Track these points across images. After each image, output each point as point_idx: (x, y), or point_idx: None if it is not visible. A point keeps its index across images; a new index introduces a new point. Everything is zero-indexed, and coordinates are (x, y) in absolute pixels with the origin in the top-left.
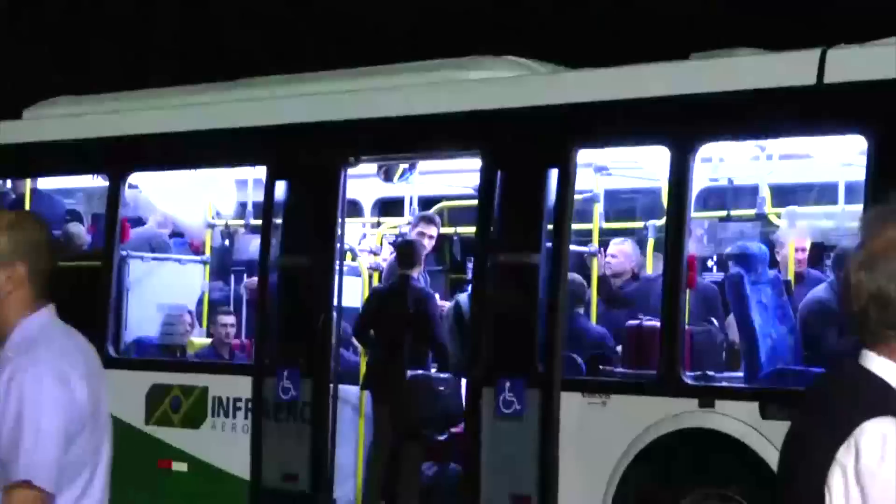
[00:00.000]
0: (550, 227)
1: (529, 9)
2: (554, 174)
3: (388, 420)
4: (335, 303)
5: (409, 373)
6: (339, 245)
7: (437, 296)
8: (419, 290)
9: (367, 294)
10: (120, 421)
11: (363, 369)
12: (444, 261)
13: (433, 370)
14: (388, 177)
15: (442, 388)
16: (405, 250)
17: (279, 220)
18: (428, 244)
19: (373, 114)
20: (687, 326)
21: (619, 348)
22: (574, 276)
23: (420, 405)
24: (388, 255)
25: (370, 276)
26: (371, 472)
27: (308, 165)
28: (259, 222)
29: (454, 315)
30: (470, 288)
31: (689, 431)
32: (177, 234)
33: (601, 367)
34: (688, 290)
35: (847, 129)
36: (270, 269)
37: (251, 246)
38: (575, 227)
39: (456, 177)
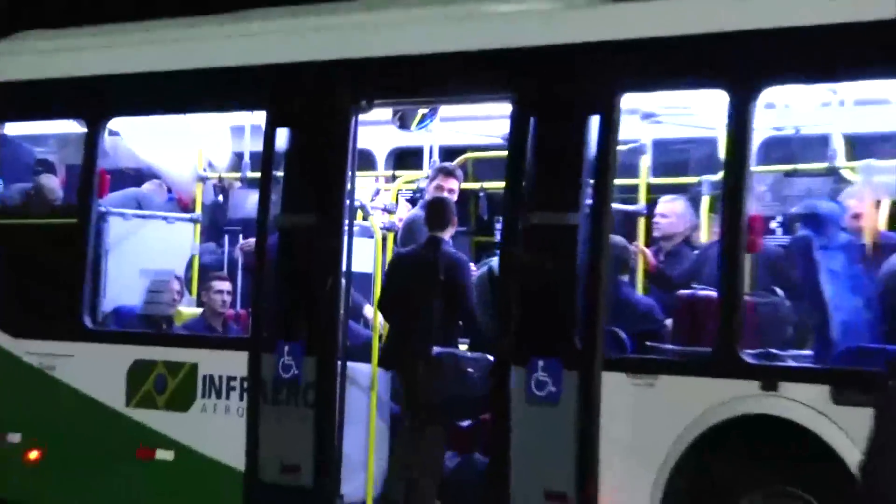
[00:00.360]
0: (591, 182)
1: None
2: (595, 122)
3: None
4: (343, 268)
5: (436, 349)
6: (348, 202)
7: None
8: (451, 255)
9: (380, 259)
10: (96, 403)
11: (375, 344)
12: (468, 220)
13: (462, 347)
14: (404, 124)
15: (470, 370)
16: (436, 207)
17: (280, 173)
18: None
19: (388, 51)
20: (747, 297)
21: (669, 322)
22: (617, 238)
23: (445, 387)
24: (404, 213)
25: (384, 238)
26: (394, 463)
27: (313, 110)
28: (257, 175)
29: (488, 282)
30: (498, 252)
31: (748, 418)
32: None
33: (649, 343)
34: (748, 256)
35: None
36: (270, 228)
37: (248, 202)
38: (619, 182)
39: (482, 124)
